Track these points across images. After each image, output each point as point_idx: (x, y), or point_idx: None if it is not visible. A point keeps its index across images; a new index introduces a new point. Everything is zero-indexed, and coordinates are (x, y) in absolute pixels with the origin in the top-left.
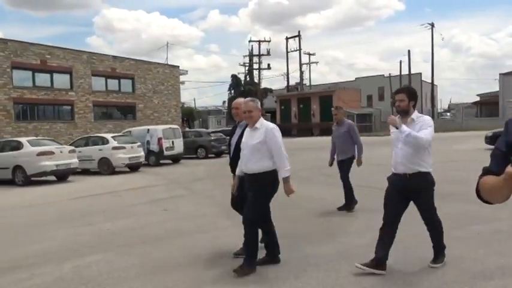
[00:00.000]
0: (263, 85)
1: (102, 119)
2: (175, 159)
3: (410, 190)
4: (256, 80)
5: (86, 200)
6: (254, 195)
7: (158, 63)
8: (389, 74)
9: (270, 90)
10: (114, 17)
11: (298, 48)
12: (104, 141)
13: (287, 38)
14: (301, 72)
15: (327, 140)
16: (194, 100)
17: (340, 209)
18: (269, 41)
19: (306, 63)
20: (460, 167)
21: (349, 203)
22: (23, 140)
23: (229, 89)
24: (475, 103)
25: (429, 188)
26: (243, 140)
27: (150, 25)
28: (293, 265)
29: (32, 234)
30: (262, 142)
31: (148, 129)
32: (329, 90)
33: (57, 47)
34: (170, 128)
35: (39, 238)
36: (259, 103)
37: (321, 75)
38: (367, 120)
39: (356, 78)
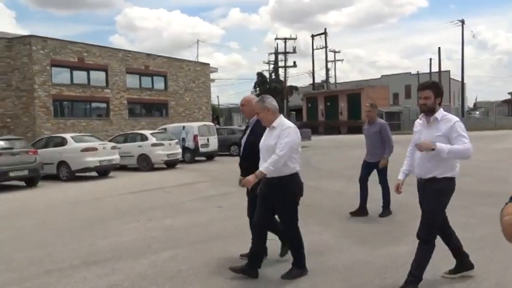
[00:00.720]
0: (288, 83)
1: (135, 116)
2: (210, 156)
3: (421, 196)
4: (281, 78)
5: (138, 196)
6: (280, 204)
7: (189, 61)
8: (418, 71)
9: (296, 88)
10: (135, 15)
11: (323, 46)
12: (143, 137)
13: (313, 36)
14: (327, 70)
15: (357, 138)
16: (218, 98)
17: (352, 214)
18: (295, 39)
19: (331, 61)
20: (507, 167)
21: (387, 205)
22: (67, 136)
23: (255, 87)
24: (505, 101)
25: (435, 196)
26: (262, 140)
27: (171, 23)
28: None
29: (97, 229)
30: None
31: (183, 126)
32: (357, 88)
33: (93, 45)
34: (205, 125)
35: (107, 233)
36: (268, 102)
37: (342, 73)
38: (395, 119)
39: (382, 76)
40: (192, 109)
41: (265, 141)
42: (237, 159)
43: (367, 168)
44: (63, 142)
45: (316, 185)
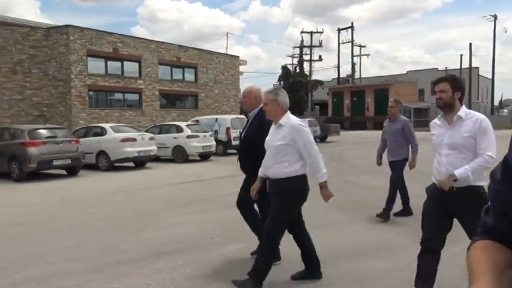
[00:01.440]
0: (312, 77)
1: (166, 107)
2: None
3: (455, 207)
4: (305, 72)
5: (182, 188)
6: (276, 204)
7: (219, 53)
8: (446, 67)
9: (321, 82)
10: (157, 7)
11: (349, 40)
12: (179, 129)
13: (339, 30)
14: (353, 65)
15: None
16: (240, 90)
17: (396, 214)
18: (321, 32)
19: (356, 56)
20: None
21: (389, 208)
22: (106, 126)
23: (279, 80)
24: None
25: (479, 206)
26: (267, 138)
27: (192, 15)
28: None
29: (152, 220)
30: (286, 142)
31: (216, 119)
32: (385, 84)
33: (128, 36)
34: (237, 118)
35: (164, 224)
36: (281, 97)
37: (362, 68)
38: (423, 115)
39: (408, 72)
40: (221, 101)
41: (271, 139)
42: None
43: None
44: (102, 132)
45: (356, 181)
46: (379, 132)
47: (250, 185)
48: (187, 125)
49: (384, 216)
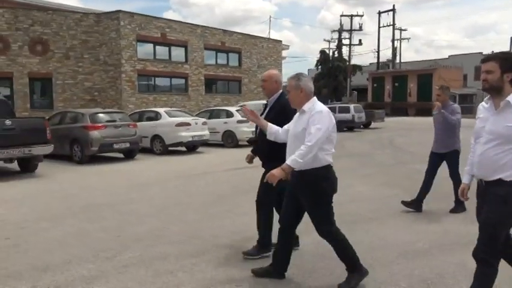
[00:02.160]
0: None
1: (211, 92)
2: None
3: (483, 201)
4: (344, 56)
5: (244, 173)
6: (309, 201)
7: (263, 38)
8: (492, 51)
9: (360, 68)
10: None
11: (390, 24)
12: (229, 114)
13: (379, 13)
14: (394, 49)
15: (428, 120)
16: (282, 76)
17: (452, 211)
18: (362, 16)
19: (397, 40)
20: None
21: (457, 206)
22: (161, 110)
23: (317, 65)
24: None
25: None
26: (290, 127)
27: (224, 0)
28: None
29: (229, 206)
30: (306, 129)
31: (264, 104)
32: (429, 68)
33: (175, 21)
34: None
35: (244, 210)
36: (304, 81)
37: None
38: (467, 101)
39: (449, 56)
40: None
41: (294, 127)
42: None
43: (435, 159)
44: (157, 116)
45: (422, 170)
46: (422, 119)
47: (266, 172)
48: (237, 110)
49: (456, 208)
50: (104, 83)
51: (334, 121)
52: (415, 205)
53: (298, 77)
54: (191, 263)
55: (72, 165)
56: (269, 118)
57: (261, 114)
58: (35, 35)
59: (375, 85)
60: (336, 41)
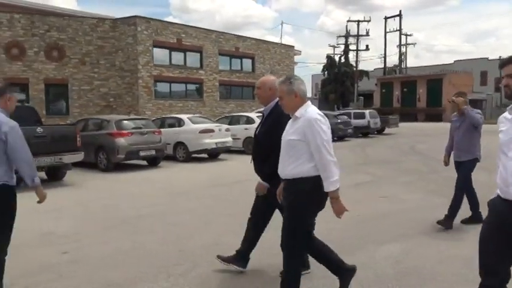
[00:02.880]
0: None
1: (225, 98)
2: None
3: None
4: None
5: None
6: (287, 211)
7: (275, 43)
8: (500, 56)
9: (366, 73)
10: None
11: (397, 29)
12: (250, 120)
13: (386, 18)
14: (401, 55)
15: (439, 126)
16: None
17: (463, 221)
18: (369, 21)
19: (402, 45)
20: None
21: (453, 215)
22: (184, 117)
23: (323, 70)
24: None
25: None
26: (283, 134)
27: (224, 6)
28: None
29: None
30: (298, 137)
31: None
32: (439, 74)
33: (190, 26)
34: None
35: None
36: (297, 85)
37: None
38: (477, 107)
39: (455, 61)
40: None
41: (285, 134)
42: (336, 144)
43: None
44: (180, 123)
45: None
46: (432, 124)
47: (272, 194)
48: (258, 116)
49: (447, 223)
50: (119, 89)
51: (329, 125)
52: (474, 219)
53: (289, 80)
54: (272, 278)
55: (98, 172)
56: (265, 128)
57: (258, 125)
58: (51, 41)
59: (383, 90)
60: (340, 46)
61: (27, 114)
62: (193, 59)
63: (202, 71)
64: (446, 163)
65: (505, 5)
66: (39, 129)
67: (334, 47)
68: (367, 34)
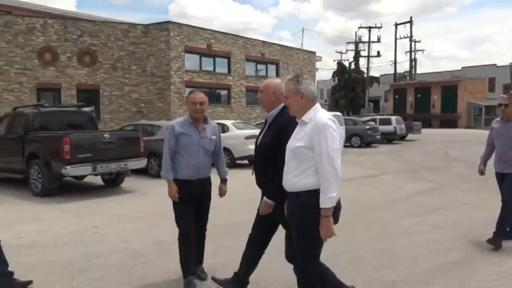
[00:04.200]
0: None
1: (252, 104)
2: None
3: None
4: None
5: (349, 186)
6: (295, 229)
7: (298, 49)
8: (510, 63)
9: (377, 79)
10: (188, 4)
11: (409, 36)
12: None
13: (396, 24)
14: (411, 61)
15: (454, 132)
16: (316, 87)
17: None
18: (380, 27)
19: (410, 51)
20: None
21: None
22: (228, 122)
23: (333, 76)
24: None
25: None
26: (290, 139)
27: (223, 12)
28: None
29: (380, 219)
30: (305, 144)
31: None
32: (454, 80)
33: (219, 32)
34: (336, 115)
35: (409, 230)
36: (305, 84)
37: (389, 64)
38: (490, 113)
39: (462, 68)
40: None
41: (292, 141)
42: (360, 151)
43: (502, 182)
44: (224, 129)
45: None
46: (451, 131)
47: (279, 215)
48: None
49: (496, 242)
50: (150, 94)
51: (341, 131)
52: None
53: (297, 79)
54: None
55: (149, 179)
56: (268, 137)
57: (260, 133)
58: (84, 46)
59: (396, 96)
60: (347, 52)
61: (84, 120)
62: (221, 64)
63: (230, 77)
64: (482, 172)
65: (501, 11)
66: (106, 135)
67: (340, 53)
68: (379, 40)
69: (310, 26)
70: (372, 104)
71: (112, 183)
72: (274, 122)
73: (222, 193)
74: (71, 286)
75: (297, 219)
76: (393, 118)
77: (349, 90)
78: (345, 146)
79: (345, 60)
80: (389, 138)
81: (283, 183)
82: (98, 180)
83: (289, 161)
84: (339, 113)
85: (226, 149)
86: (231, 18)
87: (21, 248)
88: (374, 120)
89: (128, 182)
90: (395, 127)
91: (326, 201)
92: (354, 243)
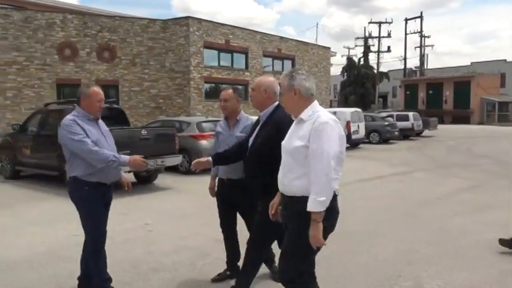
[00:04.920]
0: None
1: None
2: (357, 143)
3: None
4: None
5: (386, 183)
6: (293, 234)
7: (313, 44)
8: None
9: (386, 75)
10: None
11: (418, 31)
12: None
13: (406, 20)
14: (422, 56)
15: (470, 128)
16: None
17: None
18: (390, 23)
19: (420, 47)
20: None
21: None
22: (254, 119)
23: (343, 72)
24: None
25: None
26: (283, 141)
27: (226, 7)
28: None
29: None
30: (306, 143)
31: (335, 112)
32: (467, 76)
33: (237, 27)
34: (356, 111)
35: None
36: (299, 80)
37: (393, 60)
38: (503, 109)
39: (472, 63)
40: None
41: (288, 141)
42: (381, 147)
43: None
44: None
45: None
46: (465, 127)
47: (264, 209)
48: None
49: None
50: (169, 90)
51: (343, 133)
52: None
53: (291, 74)
54: None
55: (179, 175)
56: (261, 138)
57: (251, 132)
58: (103, 42)
59: (408, 92)
60: (355, 47)
61: (116, 116)
62: (239, 60)
63: (247, 72)
64: None
65: (504, 7)
66: (143, 132)
67: (348, 48)
68: (389, 36)
69: (313, 21)
70: (381, 99)
71: (146, 180)
72: (268, 121)
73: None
74: (148, 286)
75: (294, 226)
76: (411, 114)
77: (359, 86)
78: (363, 142)
79: (352, 55)
80: (406, 134)
81: (279, 185)
82: (129, 177)
83: (287, 163)
84: (358, 109)
85: None
86: (234, 13)
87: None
88: (391, 116)
89: (159, 179)
90: (412, 123)
91: (315, 204)
92: (419, 242)
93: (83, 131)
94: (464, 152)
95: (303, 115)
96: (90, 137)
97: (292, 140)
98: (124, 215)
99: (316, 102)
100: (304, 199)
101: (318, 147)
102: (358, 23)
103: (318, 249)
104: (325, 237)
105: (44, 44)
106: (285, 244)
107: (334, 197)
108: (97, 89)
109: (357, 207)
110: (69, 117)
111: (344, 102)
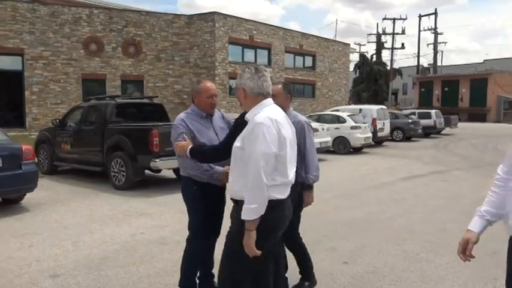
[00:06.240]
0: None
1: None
2: (381, 141)
3: None
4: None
5: (432, 181)
6: (228, 238)
7: (333, 41)
8: None
9: (399, 71)
10: None
11: (434, 28)
12: (341, 119)
13: (420, 16)
14: (436, 53)
15: (486, 126)
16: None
17: None
18: (405, 19)
19: (434, 43)
20: None
21: None
22: (344, 114)
23: (355, 69)
24: None
25: None
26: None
27: (231, 2)
28: None
29: None
30: (241, 145)
31: (360, 109)
32: (484, 73)
33: (261, 23)
34: (381, 108)
35: None
36: (244, 79)
37: (406, 57)
38: None
39: (484, 61)
40: (334, 91)
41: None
42: (406, 145)
43: None
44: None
45: None
46: (483, 125)
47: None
48: (348, 115)
49: None
50: (193, 86)
51: (289, 135)
52: None
53: (241, 72)
54: None
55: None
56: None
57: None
58: (128, 37)
59: (422, 89)
60: (366, 44)
61: (156, 112)
62: (262, 56)
63: (270, 69)
64: None
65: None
66: None
67: (359, 45)
68: (403, 32)
69: (319, 17)
70: (393, 96)
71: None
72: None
73: None
74: None
75: (233, 231)
76: (433, 112)
77: (372, 82)
78: (387, 140)
79: (363, 52)
80: (427, 132)
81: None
82: (168, 174)
83: (234, 166)
84: (384, 106)
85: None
86: (240, 8)
87: (158, 245)
88: (413, 113)
89: None
90: (435, 121)
91: (246, 212)
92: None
93: (184, 132)
94: (493, 150)
95: (248, 114)
96: (199, 138)
97: (235, 141)
98: (183, 213)
99: (266, 101)
100: (241, 203)
101: (248, 150)
102: (363, 19)
103: (259, 259)
104: (259, 247)
105: (70, 38)
106: (223, 249)
107: (277, 205)
108: (208, 85)
109: (413, 205)
110: (180, 115)
111: (357, 99)
